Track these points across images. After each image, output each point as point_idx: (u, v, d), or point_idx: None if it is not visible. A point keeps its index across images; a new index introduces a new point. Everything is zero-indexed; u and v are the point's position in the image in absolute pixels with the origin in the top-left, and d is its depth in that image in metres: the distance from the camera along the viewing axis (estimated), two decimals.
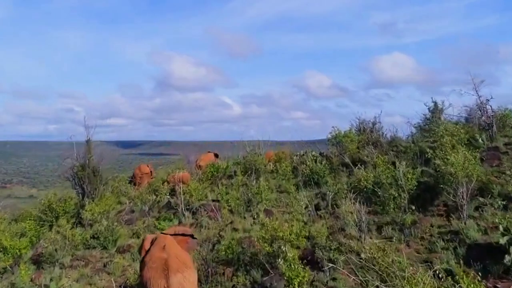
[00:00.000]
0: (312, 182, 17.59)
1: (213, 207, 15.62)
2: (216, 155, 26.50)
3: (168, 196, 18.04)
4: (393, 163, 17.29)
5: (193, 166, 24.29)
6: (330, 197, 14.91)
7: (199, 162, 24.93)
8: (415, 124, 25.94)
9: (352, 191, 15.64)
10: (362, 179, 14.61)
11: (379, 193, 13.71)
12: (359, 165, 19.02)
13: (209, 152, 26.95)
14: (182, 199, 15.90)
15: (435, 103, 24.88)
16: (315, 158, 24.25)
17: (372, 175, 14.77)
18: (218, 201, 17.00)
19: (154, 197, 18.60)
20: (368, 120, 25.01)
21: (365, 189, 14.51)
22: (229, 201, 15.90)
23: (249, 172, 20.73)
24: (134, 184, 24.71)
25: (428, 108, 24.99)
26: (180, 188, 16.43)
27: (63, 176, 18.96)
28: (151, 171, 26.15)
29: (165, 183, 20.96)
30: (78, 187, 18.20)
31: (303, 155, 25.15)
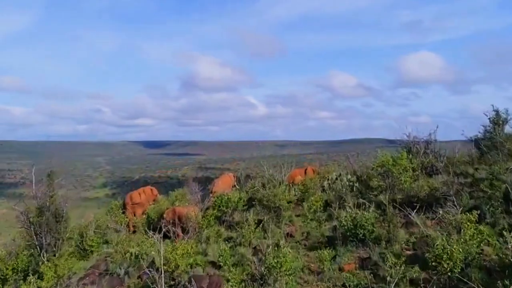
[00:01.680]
0: (356, 239, 11.94)
1: (210, 283, 10.28)
2: (237, 179, 21.12)
3: (154, 253, 12.81)
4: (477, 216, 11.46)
5: (199, 195, 18.97)
6: (393, 284, 9.12)
7: (214, 187, 19.65)
8: (472, 137, 20.16)
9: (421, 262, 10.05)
10: (445, 257, 8.83)
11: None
12: (418, 207, 13.30)
13: (225, 173, 21.56)
14: (163, 272, 10.54)
15: (497, 112, 18.93)
16: (351, 184, 18.68)
17: (459, 248, 8.95)
18: (220, 266, 11.66)
19: (137, 250, 13.43)
20: (420, 138, 19.19)
21: (449, 273, 8.80)
22: (231, 279, 10.42)
23: (267, 213, 15.29)
24: (134, 214, 19.60)
25: (489, 119, 19.06)
26: (160, 254, 10.79)
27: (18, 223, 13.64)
28: (154, 198, 20.83)
29: (161, 222, 15.87)
30: (34, 237, 13.05)
31: (337, 179, 19.58)
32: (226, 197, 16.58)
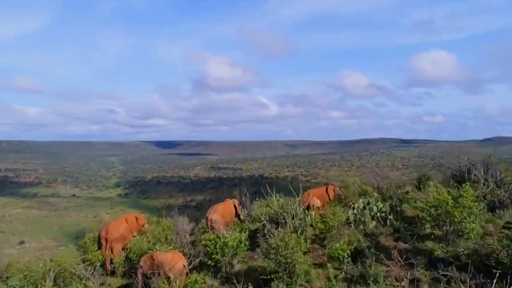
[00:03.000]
0: None
1: None
2: (236, 207, 16.57)
3: None
4: None
5: (187, 235, 14.68)
6: None
7: (211, 215, 15.20)
8: None
9: None
10: None
11: None
12: (497, 274, 8.80)
13: (227, 200, 17.04)
14: None
15: None
16: (383, 215, 14.44)
17: None
18: None
19: None
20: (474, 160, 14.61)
21: None
22: None
23: (275, 265, 10.96)
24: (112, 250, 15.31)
25: None
26: None
27: None
28: (140, 228, 16.54)
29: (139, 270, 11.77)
30: None
31: (364, 208, 15.20)
32: (222, 241, 12.26)
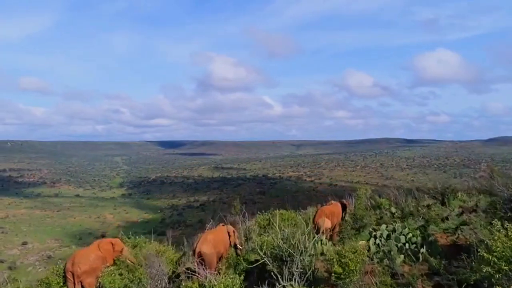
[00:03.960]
0: None
1: None
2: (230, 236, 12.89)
3: None
4: None
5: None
6: None
7: (199, 247, 11.51)
8: None
9: None
10: None
11: None
12: None
13: (220, 225, 13.41)
14: None
15: None
16: (414, 247, 11.56)
17: None
18: None
19: None
20: None
21: None
22: None
23: None
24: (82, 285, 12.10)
25: None
26: None
27: None
28: (116, 255, 13.22)
29: None
30: None
31: (389, 237, 12.15)
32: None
